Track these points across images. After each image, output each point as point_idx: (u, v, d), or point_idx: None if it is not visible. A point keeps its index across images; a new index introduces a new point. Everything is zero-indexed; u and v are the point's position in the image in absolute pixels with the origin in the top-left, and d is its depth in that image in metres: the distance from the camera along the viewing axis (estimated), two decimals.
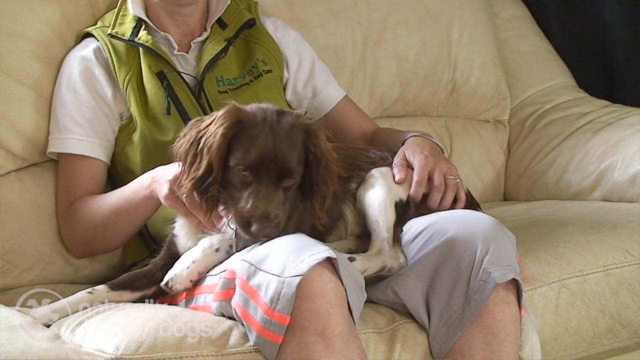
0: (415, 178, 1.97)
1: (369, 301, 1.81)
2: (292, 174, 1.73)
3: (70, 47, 2.29)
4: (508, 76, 3.08)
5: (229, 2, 2.29)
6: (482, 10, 3.04)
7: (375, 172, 1.97)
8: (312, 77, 2.42)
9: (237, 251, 1.80)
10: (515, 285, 1.78)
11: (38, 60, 2.26)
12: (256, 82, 2.27)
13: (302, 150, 1.76)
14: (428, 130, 2.94)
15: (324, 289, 1.60)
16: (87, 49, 2.24)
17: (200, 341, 1.64)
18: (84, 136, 2.18)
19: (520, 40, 3.15)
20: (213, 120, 1.75)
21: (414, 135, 2.16)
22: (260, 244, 1.71)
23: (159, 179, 1.92)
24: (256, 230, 1.69)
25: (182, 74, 2.20)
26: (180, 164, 1.78)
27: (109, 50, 2.19)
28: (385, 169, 1.99)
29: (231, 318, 1.71)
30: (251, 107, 1.78)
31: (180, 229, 1.90)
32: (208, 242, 1.84)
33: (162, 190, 1.89)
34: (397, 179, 1.96)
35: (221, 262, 1.82)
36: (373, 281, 1.85)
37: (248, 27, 2.32)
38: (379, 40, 2.83)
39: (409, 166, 2.01)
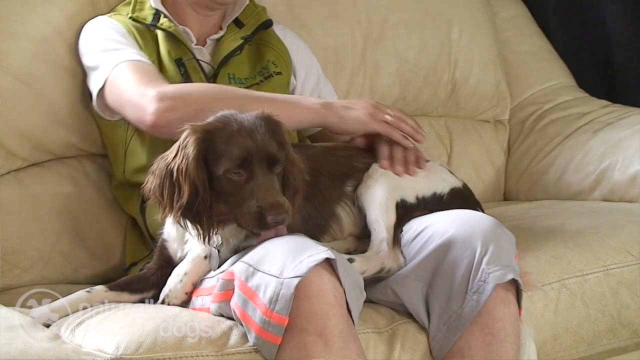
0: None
1: (368, 301, 1.81)
2: (278, 159, 1.73)
3: (71, 46, 2.28)
4: (508, 76, 3.08)
5: (247, 2, 2.31)
6: (482, 10, 3.04)
7: (376, 169, 1.97)
8: (318, 88, 2.43)
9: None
10: (515, 285, 1.78)
11: (39, 60, 2.25)
12: (266, 82, 2.28)
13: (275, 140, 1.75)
14: (428, 130, 2.93)
15: (323, 290, 1.60)
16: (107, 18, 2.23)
17: (200, 341, 1.64)
18: (136, 54, 2.12)
19: (520, 40, 3.14)
20: (179, 148, 1.73)
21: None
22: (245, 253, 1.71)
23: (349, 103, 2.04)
24: (272, 219, 1.68)
25: (201, 62, 2.21)
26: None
27: (132, 31, 2.19)
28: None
29: (230, 319, 1.71)
30: (210, 119, 1.76)
31: (169, 233, 1.90)
32: (196, 251, 1.83)
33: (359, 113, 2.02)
34: (359, 141, 2.10)
35: (212, 270, 1.82)
36: (372, 282, 1.85)
37: (264, 27, 2.34)
38: (379, 40, 2.83)
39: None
